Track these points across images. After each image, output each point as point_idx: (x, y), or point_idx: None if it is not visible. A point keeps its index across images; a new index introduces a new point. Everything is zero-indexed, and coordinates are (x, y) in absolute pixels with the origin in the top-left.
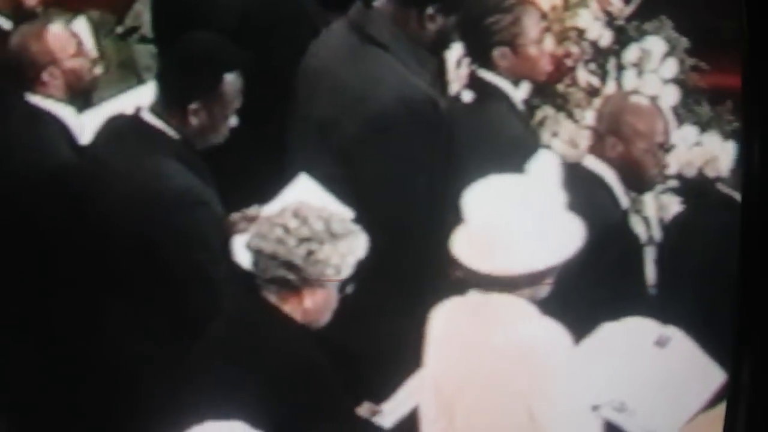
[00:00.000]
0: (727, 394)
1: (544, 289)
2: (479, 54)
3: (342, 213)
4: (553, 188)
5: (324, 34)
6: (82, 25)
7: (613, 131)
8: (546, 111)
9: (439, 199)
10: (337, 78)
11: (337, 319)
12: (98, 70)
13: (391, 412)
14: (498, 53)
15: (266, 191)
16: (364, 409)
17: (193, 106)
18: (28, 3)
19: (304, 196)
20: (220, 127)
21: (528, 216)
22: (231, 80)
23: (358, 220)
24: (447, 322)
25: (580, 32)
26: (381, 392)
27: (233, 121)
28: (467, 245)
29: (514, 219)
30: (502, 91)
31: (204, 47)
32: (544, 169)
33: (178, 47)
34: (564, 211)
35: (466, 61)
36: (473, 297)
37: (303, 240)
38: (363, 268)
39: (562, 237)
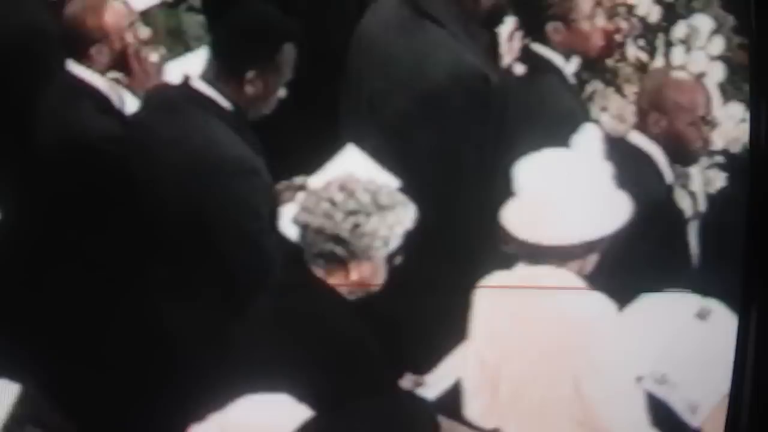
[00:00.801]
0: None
1: (591, 263)
2: (533, 28)
3: (389, 184)
4: (599, 162)
5: (376, 6)
6: None
7: (656, 106)
8: (595, 85)
9: (489, 173)
10: (389, 51)
11: (383, 291)
12: (154, 58)
13: (434, 384)
14: (551, 27)
15: (313, 162)
16: (407, 381)
17: (249, 75)
18: None
19: (352, 167)
20: (272, 97)
21: (576, 189)
22: (287, 50)
23: (406, 192)
24: (494, 295)
25: (630, 8)
26: (425, 364)
27: (282, 92)
28: (517, 216)
29: (563, 191)
30: (554, 65)
31: (262, 17)
32: (590, 143)
33: (235, 16)
34: (610, 185)
35: (519, 34)
36: (521, 270)
37: (349, 213)
38: (411, 240)
39: (610, 210)
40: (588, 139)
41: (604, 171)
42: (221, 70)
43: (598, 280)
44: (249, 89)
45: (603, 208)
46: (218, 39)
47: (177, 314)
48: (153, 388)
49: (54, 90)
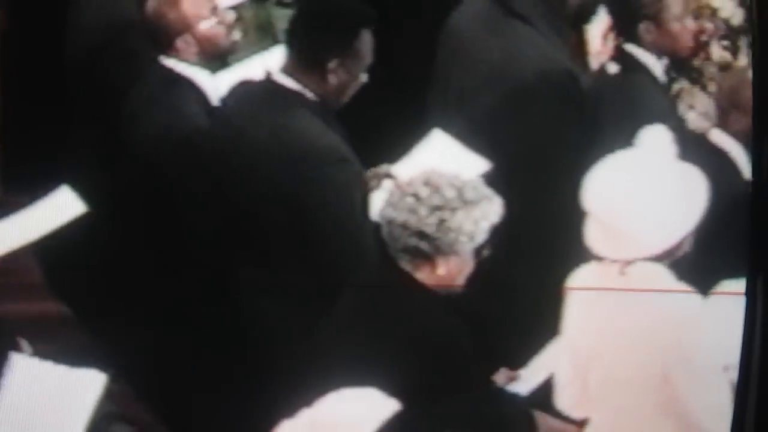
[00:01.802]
0: None
1: (678, 255)
2: (625, 27)
3: (475, 179)
4: (670, 160)
5: (467, 2)
6: None
7: (735, 105)
8: (682, 84)
9: (581, 170)
10: (478, 47)
11: (474, 285)
12: (236, 36)
13: (527, 378)
14: (643, 27)
15: (398, 151)
16: (500, 376)
17: (331, 64)
18: None
19: (439, 153)
20: (354, 84)
21: (650, 193)
22: (366, 36)
23: (493, 187)
24: (584, 287)
25: (714, 11)
26: (519, 359)
27: (363, 77)
28: (598, 236)
29: (638, 200)
30: (645, 64)
31: (337, 4)
32: (658, 142)
33: (311, 6)
34: (685, 182)
35: (613, 34)
36: (611, 263)
37: (435, 208)
38: (499, 233)
39: (686, 209)
40: (654, 138)
41: (676, 169)
42: (303, 62)
43: (681, 268)
44: (332, 78)
45: (679, 209)
46: (298, 29)
47: (269, 310)
48: (243, 385)
49: (148, 83)
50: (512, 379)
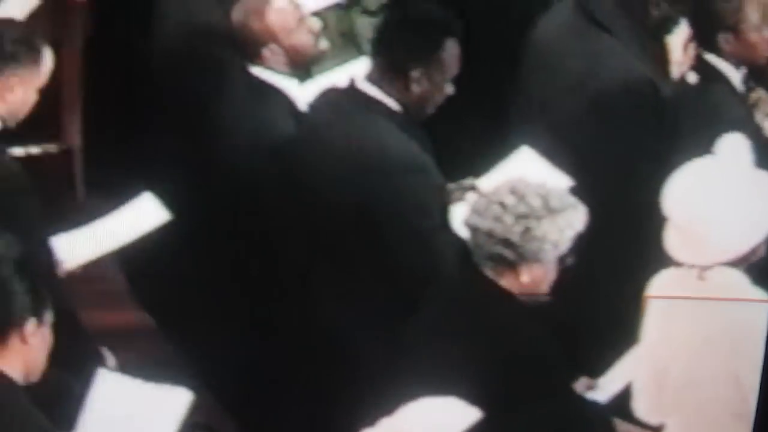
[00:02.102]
0: None
1: (755, 259)
2: (705, 38)
3: (560, 187)
4: (747, 167)
5: (551, 12)
6: None
7: None
8: (760, 93)
9: (660, 177)
10: (561, 57)
11: (555, 292)
12: (322, 44)
13: (606, 386)
14: (722, 38)
15: (483, 163)
16: (580, 384)
17: (414, 73)
18: None
19: (525, 168)
20: (439, 94)
21: (727, 200)
22: (450, 46)
23: (576, 195)
24: (663, 294)
25: None
26: (598, 367)
27: (449, 88)
28: (677, 242)
29: (716, 206)
30: (724, 74)
31: (422, 13)
32: (736, 149)
33: (397, 15)
34: (761, 189)
35: (693, 44)
36: (689, 269)
37: (520, 217)
38: (582, 241)
39: (762, 214)
40: (735, 147)
41: (753, 177)
42: (387, 70)
43: (757, 273)
44: (415, 87)
45: (755, 216)
46: (383, 38)
47: (347, 317)
48: (324, 393)
49: (235, 91)
50: (591, 387)
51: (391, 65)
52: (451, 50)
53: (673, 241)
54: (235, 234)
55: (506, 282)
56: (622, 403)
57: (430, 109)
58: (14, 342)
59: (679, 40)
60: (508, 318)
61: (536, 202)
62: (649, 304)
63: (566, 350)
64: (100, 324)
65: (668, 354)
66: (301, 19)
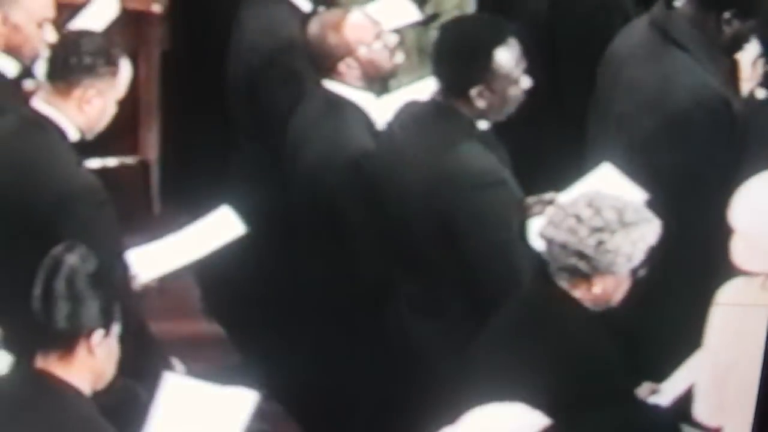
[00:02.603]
0: None
1: None
2: None
3: (636, 201)
4: None
5: (627, 30)
6: (383, 8)
7: None
8: None
9: (729, 192)
10: (637, 74)
11: (622, 301)
12: (398, 59)
13: (669, 391)
14: None
15: (563, 177)
16: (643, 389)
17: (473, 91)
18: None
19: (605, 183)
20: (510, 98)
21: None
22: (502, 54)
23: (650, 209)
24: (727, 302)
25: None
26: (661, 372)
27: (524, 83)
28: (743, 251)
29: None
30: None
31: (468, 28)
32: None
33: (443, 36)
34: None
35: (762, 61)
36: (757, 278)
37: (595, 230)
38: (656, 253)
39: None
40: None
41: None
42: (450, 88)
43: None
44: (479, 102)
45: None
46: (435, 63)
47: (424, 328)
48: (393, 403)
49: (312, 105)
50: (654, 391)
51: (450, 88)
52: (504, 57)
53: (739, 250)
54: (311, 246)
55: (579, 293)
56: (682, 406)
57: (510, 110)
58: (81, 353)
59: (748, 57)
60: (578, 328)
61: (611, 216)
62: (714, 310)
63: (631, 355)
64: (171, 334)
65: (730, 359)
66: (378, 34)
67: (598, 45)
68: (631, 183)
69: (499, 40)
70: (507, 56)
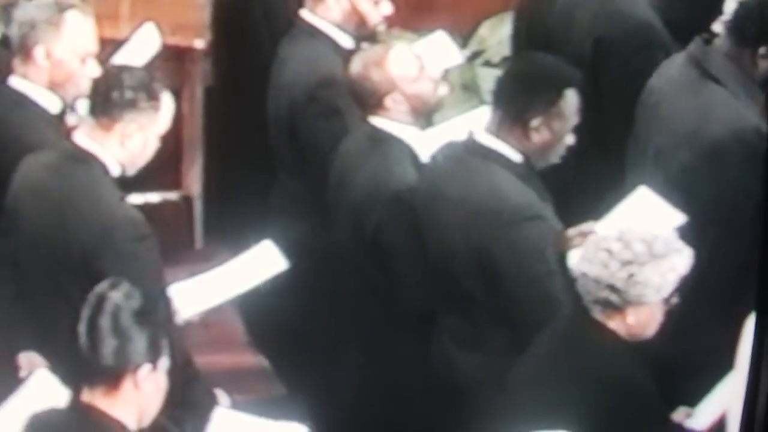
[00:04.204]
0: None
1: None
2: None
3: (668, 233)
4: None
5: (665, 65)
6: (431, 44)
7: None
8: None
9: (763, 223)
10: (675, 108)
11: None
12: (443, 91)
13: (703, 415)
14: None
15: (601, 208)
16: (678, 414)
17: (534, 123)
18: (372, 22)
19: (642, 208)
20: (560, 143)
21: None
22: (570, 96)
23: (686, 240)
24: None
25: None
26: (696, 396)
27: (570, 138)
28: None
29: None
30: None
31: (543, 63)
32: None
33: (517, 66)
34: None
35: None
36: None
37: (625, 263)
38: (688, 283)
39: None
40: None
41: None
42: (506, 120)
43: None
44: (535, 137)
45: None
46: (503, 88)
47: (465, 360)
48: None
49: (356, 140)
50: (689, 415)
51: (510, 115)
52: (571, 100)
53: None
54: (354, 279)
55: (614, 324)
56: (717, 429)
57: (553, 158)
58: (127, 387)
59: None
60: (614, 358)
61: (640, 248)
62: (744, 333)
63: (665, 381)
64: (215, 366)
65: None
66: (421, 68)
67: (641, 83)
68: (667, 205)
69: (571, 83)
70: (573, 100)
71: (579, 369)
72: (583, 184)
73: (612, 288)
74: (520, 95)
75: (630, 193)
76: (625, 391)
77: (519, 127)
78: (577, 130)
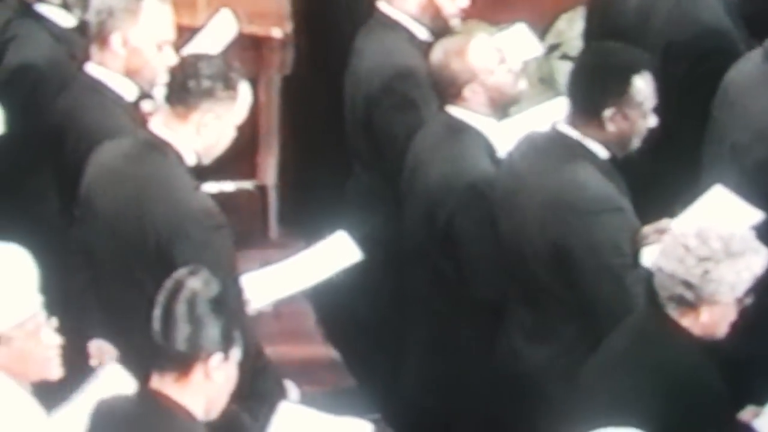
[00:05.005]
0: None
1: None
2: None
3: (746, 232)
4: None
5: (742, 62)
6: (512, 36)
7: None
8: None
9: None
10: (751, 104)
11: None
12: (522, 85)
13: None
14: None
15: (677, 207)
16: (746, 413)
17: (607, 113)
18: (448, 14)
19: (718, 206)
20: (638, 128)
21: None
22: (640, 82)
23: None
24: None
25: None
26: (763, 395)
27: (651, 120)
28: None
29: None
30: None
31: (610, 53)
32: None
33: (584, 58)
34: None
35: None
36: None
37: (701, 259)
38: (763, 283)
39: None
40: None
41: None
42: (581, 112)
43: None
44: (610, 127)
45: None
46: (573, 81)
47: (534, 352)
48: (507, 428)
49: (432, 131)
50: (756, 415)
51: (584, 107)
52: (641, 86)
53: None
54: (426, 270)
55: (687, 322)
56: None
57: (635, 143)
58: (198, 376)
59: None
60: (685, 355)
61: (717, 245)
62: None
63: (735, 380)
64: (286, 358)
65: None
66: (502, 59)
67: (712, 84)
68: (744, 203)
69: (639, 68)
70: (644, 85)
71: (651, 366)
72: (657, 184)
73: (687, 284)
74: (590, 87)
75: (706, 191)
76: (694, 391)
77: (594, 118)
78: (651, 130)
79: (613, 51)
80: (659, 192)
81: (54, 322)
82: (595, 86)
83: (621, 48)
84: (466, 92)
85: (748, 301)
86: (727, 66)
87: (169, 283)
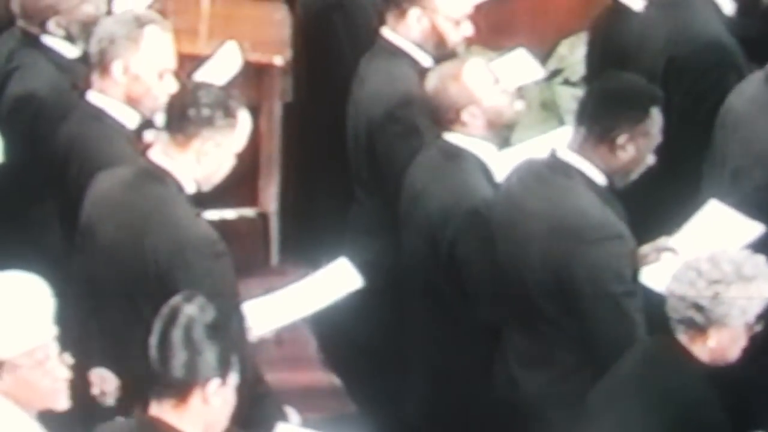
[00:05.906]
0: None
1: None
2: None
3: (758, 256)
4: None
5: (743, 85)
6: (512, 60)
7: None
8: None
9: None
10: (752, 128)
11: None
12: (519, 106)
13: None
14: None
15: (674, 224)
16: None
17: (620, 140)
18: (451, 41)
19: (715, 221)
20: (642, 161)
21: None
22: (656, 114)
23: None
24: None
25: None
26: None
27: (651, 159)
28: None
29: None
30: None
31: (630, 82)
32: None
33: (605, 83)
34: None
35: None
36: None
37: (712, 282)
38: None
39: None
40: None
41: None
42: (592, 137)
43: None
44: (621, 154)
45: None
46: (588, 106)
47: (529, 380)
48: None
49: (431, 156)
50: None
51: (596, 133)
52: (656, 118)
53: None
54: (425, 297)
55: (696, 348)
56: None
57: (633, 177)
58: (195, 401)
59: None
60: (692, 384)
61: (728, 268)
62: None
63: (742, 405)
64: (287, 384)
65: None
66: (496, 80)
67: (713, 103)
68: (741, 217)
69: (657, 102)
70: (658, 118)
71: (657, 394)
72: (654, 202)
73: (697, 306)
74: (608, 113)
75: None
76: (697, 420)
77: (605, 144)
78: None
79: (635, 80)
80: (657, 209)
81: (67, 357)
82: (614, 109)
83: (640, 79)
84: (465, 116)
85: (759, 327)
86: (730, 80)
87: (164, 310)
